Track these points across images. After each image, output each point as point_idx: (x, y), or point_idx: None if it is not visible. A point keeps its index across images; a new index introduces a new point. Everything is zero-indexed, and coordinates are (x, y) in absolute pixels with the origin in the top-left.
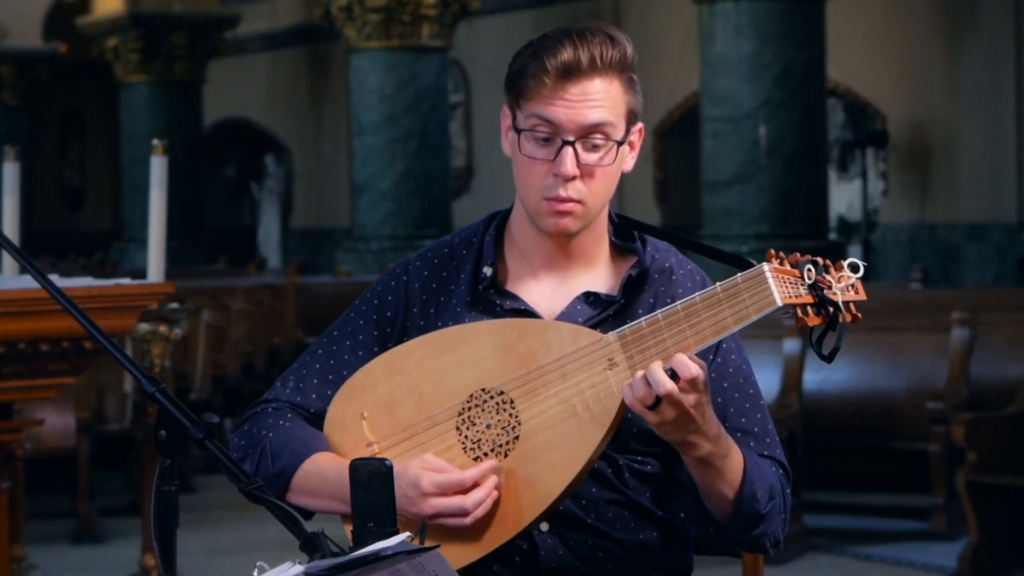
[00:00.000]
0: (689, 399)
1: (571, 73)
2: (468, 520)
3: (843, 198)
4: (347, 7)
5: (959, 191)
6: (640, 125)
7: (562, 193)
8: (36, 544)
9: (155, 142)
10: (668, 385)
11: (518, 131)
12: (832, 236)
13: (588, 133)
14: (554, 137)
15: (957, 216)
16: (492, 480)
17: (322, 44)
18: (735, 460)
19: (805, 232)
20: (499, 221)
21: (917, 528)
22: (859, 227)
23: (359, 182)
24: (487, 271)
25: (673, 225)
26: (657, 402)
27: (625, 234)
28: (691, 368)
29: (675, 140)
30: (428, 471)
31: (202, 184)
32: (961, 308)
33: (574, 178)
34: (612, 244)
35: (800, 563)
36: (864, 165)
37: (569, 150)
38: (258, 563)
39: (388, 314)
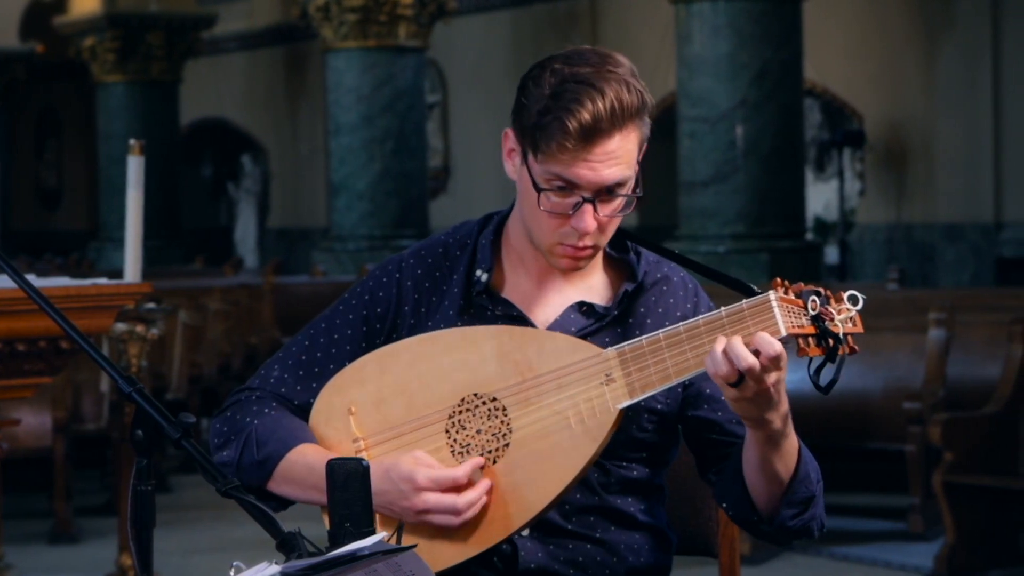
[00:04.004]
0: (771, 377)
1: (592, 136)
2: (458, 520)
3: (820, 198)
4: (324, 7)
5: (936, 191)
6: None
7: (579, 244)
8: (12, 544)
9: (132, 142)
10: (750, 360)
11: (538, 190)
12: (809, 236)
13: (607, 191)
14: (572, 191)
15: (934, 216)
16: (485, 483)
17: (299, 44)
18: (793, 440)
19: (782, 232)
20: (496, 224)
21: (894, 528)
22: (836, 227)
23: (336, 182)
24: (481, 276)
25: (649, 225)
26: (740, 379)
27: (620, 245)
28: (774, 346)
29: (652, 140)
30: (421, 466)
31: (179, 184)
32: (938, 308)
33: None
34: (606, 255)
35: (776, 563)
36: (841, 165)
37: (589, 207)
38: (234, 563)
39: (379, 310)
